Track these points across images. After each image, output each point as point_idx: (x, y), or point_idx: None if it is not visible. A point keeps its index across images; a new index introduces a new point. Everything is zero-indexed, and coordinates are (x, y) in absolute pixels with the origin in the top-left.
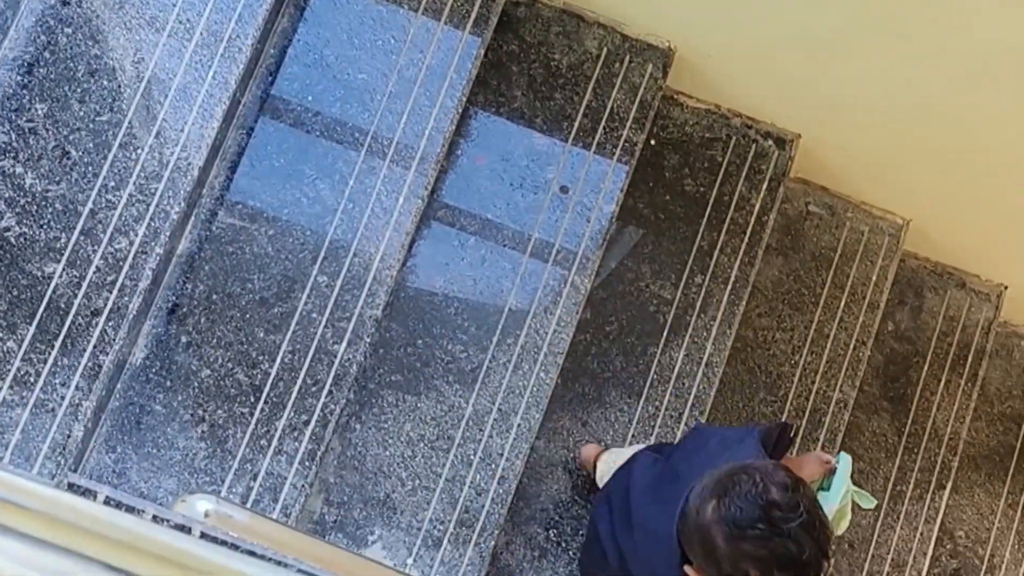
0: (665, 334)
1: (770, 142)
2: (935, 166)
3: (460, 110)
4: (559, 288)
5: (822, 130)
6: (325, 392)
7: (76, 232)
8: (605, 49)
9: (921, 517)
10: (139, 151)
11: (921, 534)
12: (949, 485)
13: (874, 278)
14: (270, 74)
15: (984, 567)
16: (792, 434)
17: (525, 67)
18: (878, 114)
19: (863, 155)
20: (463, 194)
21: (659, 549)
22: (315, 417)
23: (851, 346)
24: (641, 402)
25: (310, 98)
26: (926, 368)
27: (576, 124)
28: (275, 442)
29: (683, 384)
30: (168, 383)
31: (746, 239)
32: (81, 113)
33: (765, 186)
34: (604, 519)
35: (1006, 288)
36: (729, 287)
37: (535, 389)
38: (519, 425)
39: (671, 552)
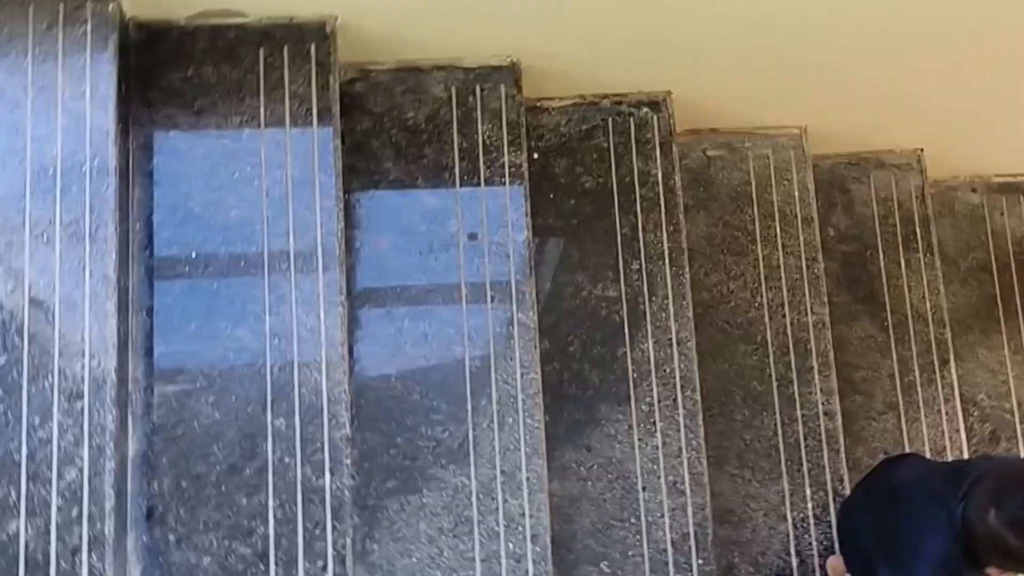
0: (627, 331)
1: (644, 109)
2: (809, 71)
3: (341, 205)
4: (508, 331)
5: (688, 78)
6: (329, 530)
7: (23, 482)
8: (453, 88)
9: (939, 398)
10: (49, 378)
11: (946, 414)
12: (951, 357)
13: (796, 193)
14: (145, 248)
15: (1017, 417)
16: None
17: (385, 138)
18: (736, 40)
19: (736, 86)
20: (379, 281)
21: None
22: (330, 557)
23: (803, 267)
24: (632, 405)
25: (193, 254)
26: (882, 257)
27: (457, 170)
28: None
29: (664, 371)
30: None
31: (663, 209)
32: None
33: (658, 152)
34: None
35: (922, 151)
36: (667, 261)
37: (528, 438)
38: (528, 479)
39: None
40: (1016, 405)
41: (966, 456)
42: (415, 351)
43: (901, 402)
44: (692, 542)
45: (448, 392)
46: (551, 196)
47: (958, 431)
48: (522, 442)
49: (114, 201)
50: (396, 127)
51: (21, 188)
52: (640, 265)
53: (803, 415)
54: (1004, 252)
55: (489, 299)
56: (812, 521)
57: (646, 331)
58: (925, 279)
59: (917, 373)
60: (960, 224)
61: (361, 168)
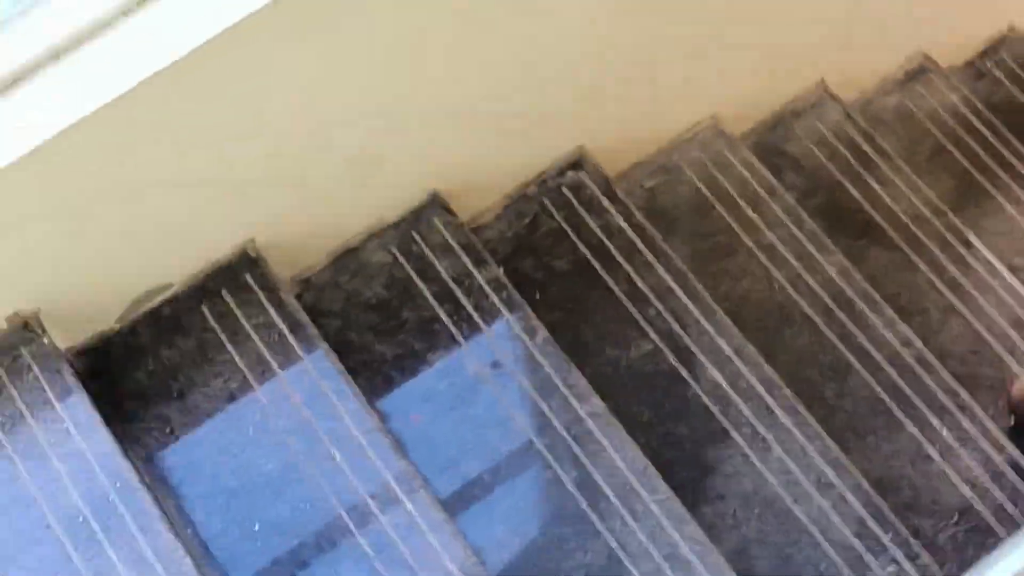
0: (684, 371)
1: (569, 173)
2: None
3: (369, 410)
4: (583, 432)
5: (584, 124)
6: None
7: None
8: (393, 247)
9: (969, 285)
10: None
11: (986, 295)
12: (970, 236)
13: (747, 175)
14: (204, 548)
15: None
16: None
17: (359, 326)
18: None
19: (623, 112)
20: (440, 459)
21: None
22: None
23: (792, 233)
24: (734, 434)
25: (256, 526)
26: (853, 188)
27: (444, 317)
28: None
29: (741, 387)
30: None
31: (643, 247)
32: None
33: (606, 202)
34: None
35: (824, 79)
36: (677, 291)
37: (663, 512)
38: (692, 548)
39: None
40: None
41: None
42: (516, 502)
43: (954, 300)
44: (872, 524)
45: (565, 518)
46: (538, 295)
47: (1005, 304)
48: (662, 518)
49: (157, 509)
50: (362, 311)
51: (63, 552)
52: (657, 309)
53: (884, 357)
54: (947, 126)
55: (543, 416)
56: (957, 444)
57: (700, 361)
58: (903, 186)
59: (940, 272)
60: (899, 122)
61: (361, 367)
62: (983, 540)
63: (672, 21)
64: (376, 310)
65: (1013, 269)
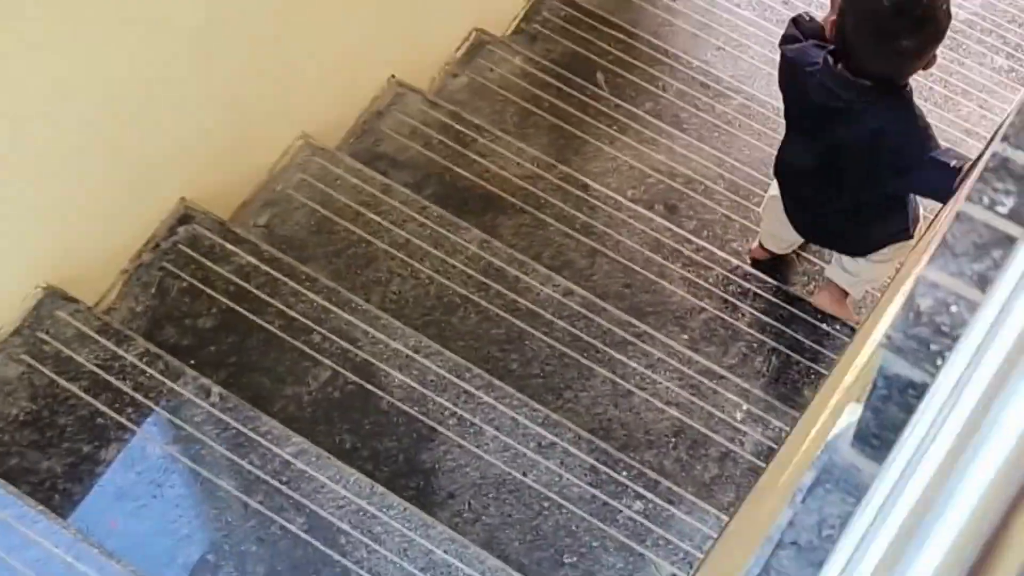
0: (369, 385)
1: (181, 230)
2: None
3: (64, 524)
4: (295, 474)
5: (182, 176)
6: None
7: None
8: (23, 354)
9: (601, 225)
10: None
11: (619, 229)
12: (587, 181)
13: (357, 181)
14: None
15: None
16: None
17: (19, 448)
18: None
19: (217, 153)
20: (158, 554)
21: None
22: None
23: (422, 223)
24: (438, 426)
25: None
26: (460, 168)
27: (104, 408)
28: None
29: (429, 380)
30: None
31: (286, 281)
32: None
33: (230, 247)
34: None
35: (394, 75)
36: (335, 310)
37: (412, 529)
38: (450, 561)
39: None
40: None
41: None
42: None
43: (593, 243)
44: (604, 468)
45: (307, 567)
46: (193, 363)
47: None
48: (406, 531)
49: None
50: (16, 431)
51: None
52: (318, 332)
53: (552, 313)
54: (523, 89)
55: (247, 466)
56: (648, 370)
57: (382, 370)
58: (504, 150)
59: (578, 213)
60: (475, 104)
61: (33, 489)
62: (705, 452)
63: (239, 52)
64: (30, 425)
65: (633, 200)
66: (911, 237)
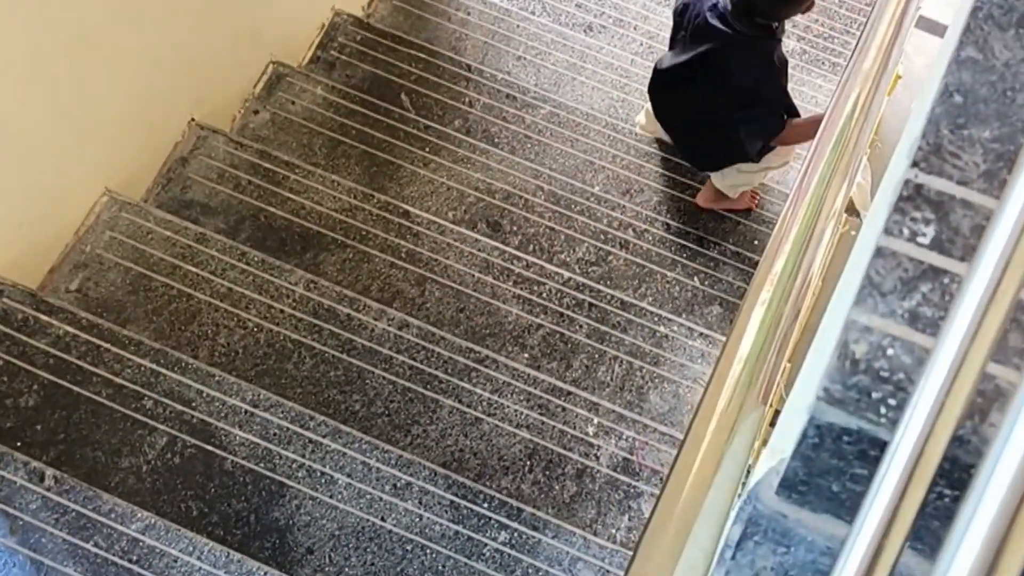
0: (209, 446)
1: None
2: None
3: None
4: (145, 551)
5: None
6: None
7: None
8: None
9: (425, 250)
10: None
11: (445, 254)
12: (406, 207)
13: (170, 233)
14: None
15: (498, 199)
16: None
17: None
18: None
19: (13, 215)
20: None
21: None
22: None
23: (243, 270)
24: (287, 480)
25: None
26: (274, 208)
27: None
28: None
29: (272, 433)
30: None
31: (108, 346)
32: None
33: (44, 319)
34: None
35: (193, 118)
36: (164, 371)
37: None
38: None
39: None
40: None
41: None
42: None
43: (421, 271)
44: (464, 503)
45: None
46: (19, 445)
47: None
48: None
49: None
50: None
51: None
52: (149, 397)
53: (389, 348)
54: (328, 119)
55: (92, 548)
56: (494, 395)
57: (221, 429)
58: (318, 185)
59: (402, 241)
60: (281, 139)
61: None
62: (562, 471)
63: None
64: None
65: (455, 222)
66: (755, 161)
